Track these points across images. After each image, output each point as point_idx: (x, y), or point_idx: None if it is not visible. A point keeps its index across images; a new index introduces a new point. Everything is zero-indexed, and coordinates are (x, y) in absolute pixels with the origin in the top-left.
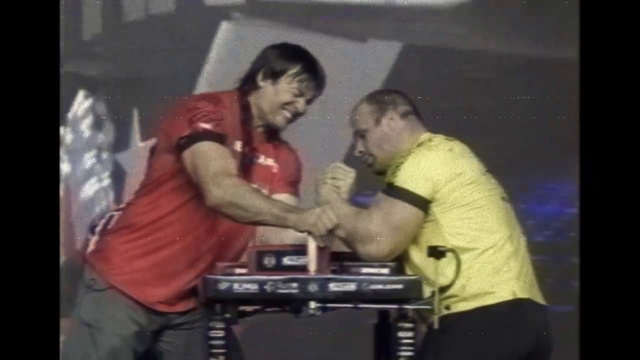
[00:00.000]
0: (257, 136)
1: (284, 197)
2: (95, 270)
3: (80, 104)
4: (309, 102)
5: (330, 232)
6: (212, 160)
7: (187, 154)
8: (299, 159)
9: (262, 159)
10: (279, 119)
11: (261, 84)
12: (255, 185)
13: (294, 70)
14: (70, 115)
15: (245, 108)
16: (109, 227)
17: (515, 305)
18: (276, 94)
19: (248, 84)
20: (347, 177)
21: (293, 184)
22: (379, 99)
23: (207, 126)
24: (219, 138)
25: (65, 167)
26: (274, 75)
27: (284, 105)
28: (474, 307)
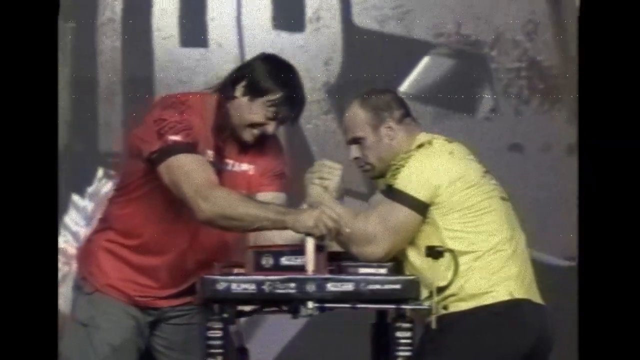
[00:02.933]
0: (230, 142)
1: (270, 196)
2: (82, 272)
3: (104, 183)
4: (281, 123)
5: (330, 232)
6: (192, 173)
7: (162, 169)
8: (280, 149)
9: (236, 166)
10: (246, 135)
11: (238, 95)
12: None
13: (275, 96)
14: (91, 189)
15: (225, 115)
16: (95, 222)
17: (513, 306)
18: (250, 112)
19: (227, 89)
20: (333, 175)
21: (278, 179)
22: (374, 105)
23: (176, 138)
24: (191, 147)
25: (84, 232)
26: (254, 93)
27: (254, 125)
28: (471, 307)
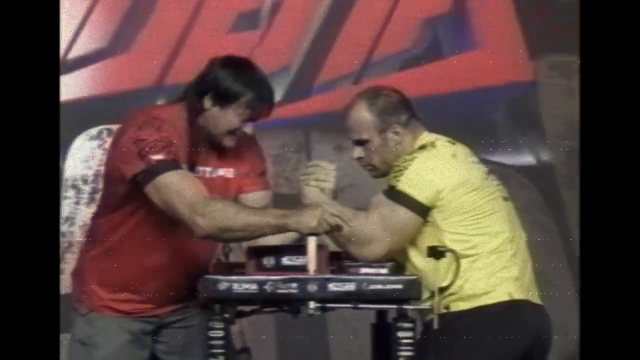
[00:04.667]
0: (205, 150)
1: (257, 195)
2: (76, 294)
3: None
4: (257, 120)
5: (333, 228)
6: (183, 191)
7: (150, 190)
8: (258, 149)
9: (213, 173)
10: (227, 141)
11: (208, 107)
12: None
13: (245, 99)
14: None
15: (195, 129)
16: (82, 242)
17: (511, 307)
18: (225, 121)
19: (194, 103)
20: (329, 176)
21: (261, 177)
22: (382, 109)
23: (159, 157)
24: (176, 163)
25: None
26: (224, 102)
27: (232, 131)
28: (470, 307)
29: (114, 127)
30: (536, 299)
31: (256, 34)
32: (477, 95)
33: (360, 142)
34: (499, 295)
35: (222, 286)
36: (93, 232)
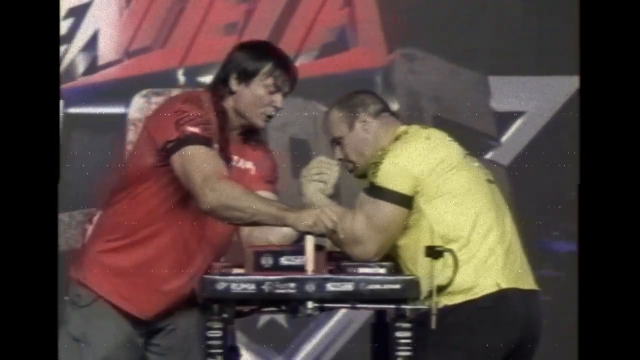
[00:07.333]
0: (234, 139)
1: (263, 195)
2: (79, 283)
3: None
4: (285, 95)
5: (330, 231)
6: (203, 164)
7: (175, 158)
8: (274, 160)
9: (240, 163)
10: (259, 119)
11: (236, 88)
12: None
13: (266, 68)
14: None
15: (223, 113)
16: (89, 233)
17: (500, 298)
18: (254, 97)
19: (222, 88)
20: (332, 170)
21: (271, 183)
22: (348, 103)
23: (195, 130)
24: (207, 142)
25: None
26: (247, 77)
27: (263, 105)
28: (459, 301)
29: (156, 90)
30: (527, 285)
31: (233, 38)
32: (363, 74)
33: (336, 142)
34: (488, 287)
35: (220, 286)
36: (107, 220)
